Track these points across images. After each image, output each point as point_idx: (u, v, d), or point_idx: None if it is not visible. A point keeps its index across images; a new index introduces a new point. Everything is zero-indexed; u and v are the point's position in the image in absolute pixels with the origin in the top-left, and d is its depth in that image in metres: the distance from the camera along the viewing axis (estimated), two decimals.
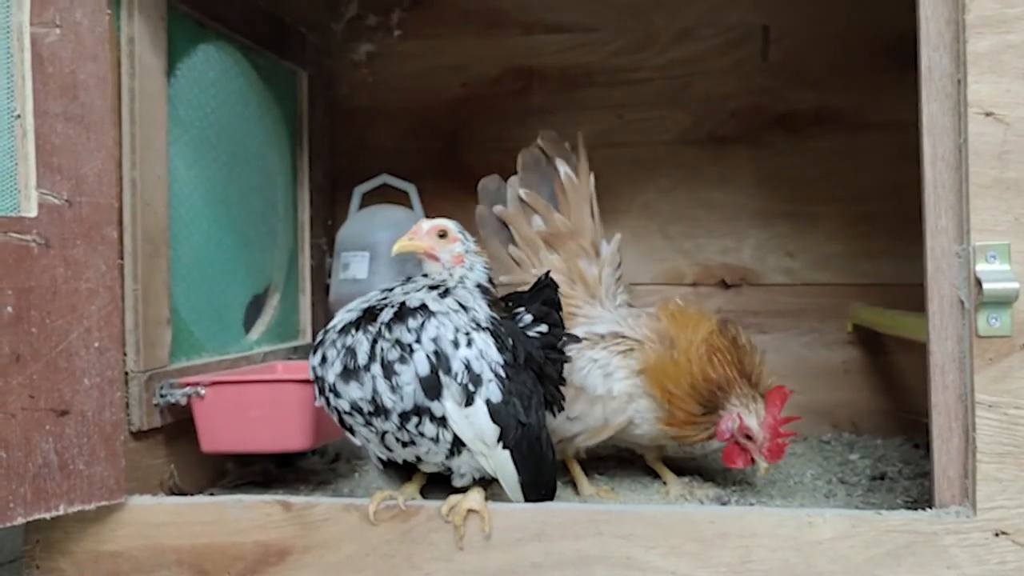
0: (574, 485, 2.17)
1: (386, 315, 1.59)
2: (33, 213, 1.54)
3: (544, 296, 1.92)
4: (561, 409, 1.89)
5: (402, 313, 1.59)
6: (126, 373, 1.91)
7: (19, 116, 1.54)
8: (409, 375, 1.55)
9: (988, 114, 1.50)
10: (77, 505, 1.60)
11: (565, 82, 2.93)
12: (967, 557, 1.50)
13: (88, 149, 1.63)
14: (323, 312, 2.85)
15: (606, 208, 2.91)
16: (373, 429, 1.61)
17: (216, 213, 2.32)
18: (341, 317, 1.64)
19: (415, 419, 1.57)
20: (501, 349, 1.64)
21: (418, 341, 1.56)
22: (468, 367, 1.58)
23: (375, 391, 1.55)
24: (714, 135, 2.85)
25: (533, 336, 1.81)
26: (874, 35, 2.74)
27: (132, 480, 1.79)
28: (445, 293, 1.66)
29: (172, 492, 2.05)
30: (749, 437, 1.96)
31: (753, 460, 1.97)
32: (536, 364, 1.74)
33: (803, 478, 2.28)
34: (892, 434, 2.67)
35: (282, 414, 2.05)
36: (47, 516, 1.55)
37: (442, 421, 1.58)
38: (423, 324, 1.57)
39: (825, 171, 2.78)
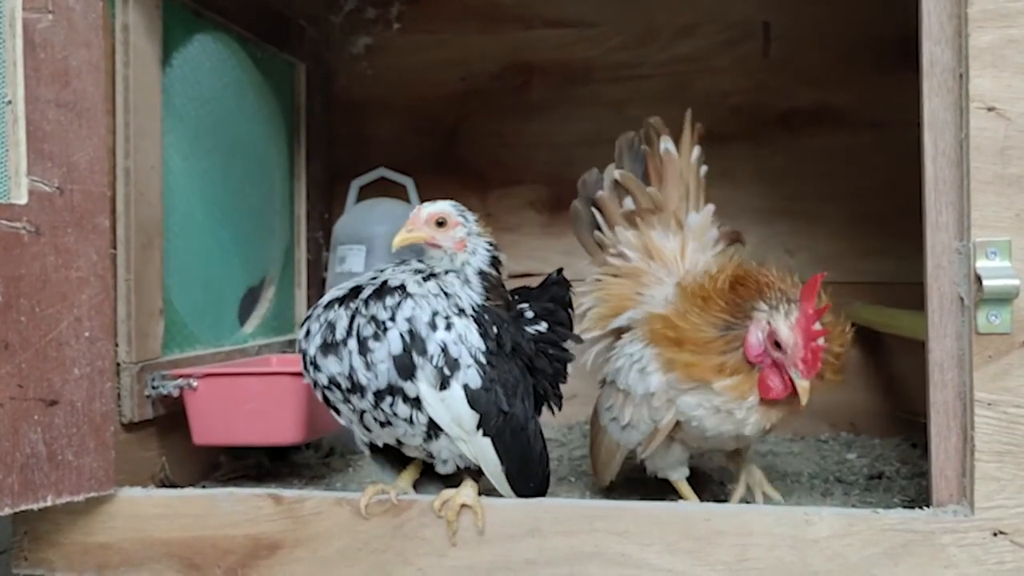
0: None
1: (366, 292, 1.60)
2: (23, 200, 1.53)
3: (552, 293, 1.90)
4: (559, 407, 1.86)
5: (381, 291, 1.59)
6: (118, 364, 1.90)
7: (10, 102, 1.53)
8: (383, 353, 1.54)
9: (990, 109, 1.49)
10: (66, 496, 1.59)
11: (565, 78, 2.92)
12: (965, 557, 1.49)
13: (80, 136, 1.61)
14: None
15: None
16: (351, 406, 1.61)
17: (211, 204, 2.30)
18: (331, 294, 1.65)
19: (389, 398, 1.56)
20: (484, 336, 1.62)
21: (392, 319, 1.55)
22: (445, 350, 1.57)
23: (351, 367, 1.55)
24: (714, 132, 2.81)
25: (530, 331, 1.79)
26: (875, 33, 2.72)
27: (123, 472, 1.77)
28: (429, 277, 1.65)
29: (163, 485, 2.04)
30: (779, 345, 1.65)
31: (791, 383, 1.66)
32: (525, 355, 1.72)
33: (800, 477, 2.26)
34: (890, 434, 2.66)
35: (275, 407, 2.03)
36: (35, 507, 1.53)
37: (416, 403, 1.57)
38: (399, 303, 1.57)
39: (825, 169, 2.76)
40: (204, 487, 2.11)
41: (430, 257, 1.70)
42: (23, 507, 1.51)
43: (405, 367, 1.55)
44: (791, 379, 1.66)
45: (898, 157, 2.05)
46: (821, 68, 2.78)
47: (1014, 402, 1.49)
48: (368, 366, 1.55)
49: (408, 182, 2.86)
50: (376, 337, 1.55)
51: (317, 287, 2.82)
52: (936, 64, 1.54)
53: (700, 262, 1.94)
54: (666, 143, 2.08)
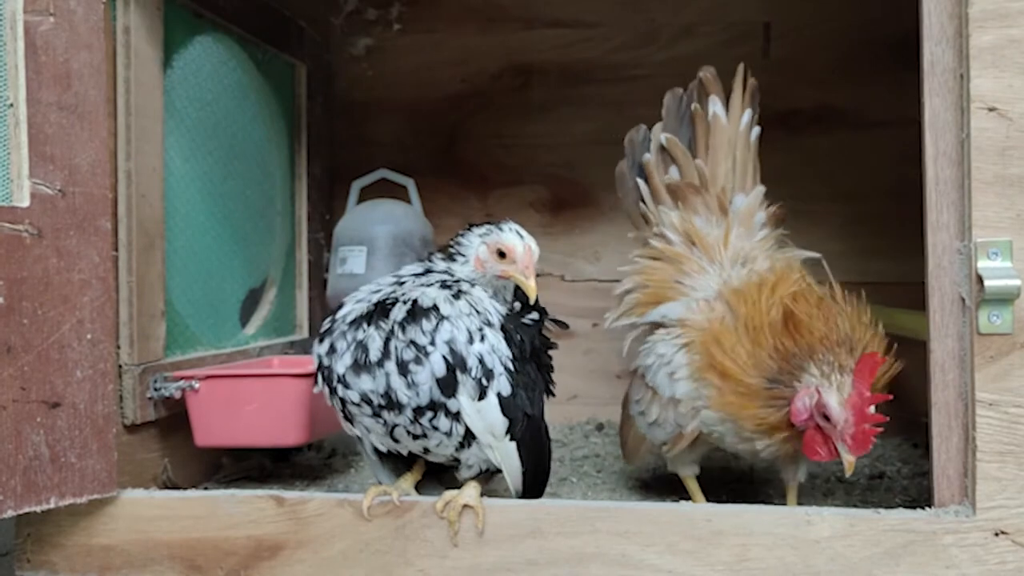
0: None
1: (398, 312, 1.56)
2: (25, 203, 1.53)
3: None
4: (552, 394, 1.82)
5: (415, 313, 1.56)
6: (120, 366, 1.90)
7: (12, 105, 1.53)
8: (425, 375, 1.54)
9: (991, 109, 1.49)
10: (68, 498, 1.59)
11: (565, 78, 2.92)
12: (966, 557, 1.49)
13: (81, 139, 1.62)
14: (320, 307, 2.84)
15: (606, 204, 2.92)
16: (381, 421, 1.60)
17: (212, 206, 2.31)
18: (352, 308, 1.61)
19: (429, 414, 1.57)
20: (509, 343, 1.63)
21: (432, 344, 1.54)
22: (481, 362, 1.58)
23: (389, 386, 1.54)
24: None
25: (528, 323, 1.80)
26: (876, 33, 2.72)
27: (125, 474, 1.77)
28: (458, 295, 1.61)
29: (166, 486, 2.04)
30: (827, 418, 1.59)
31: (837, 452, 1.61)
32: (536, 355, 1.74)
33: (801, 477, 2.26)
34: (891, 433, 2.64)
35: (277, 409, 2.04)
36: (38, 509, 1.53)
37: (456, 416, 1.58)
38: (436, 327, 1.55)
39: (826, 169, 2.76)
40: (206, 488, 2.11)
41: (441, 259, 1.69)
42: (26, 509, 1.51)
43: (449, 385, 1.55)
44: (835, 448, 1.61)
45: (899, 157, 2.06)
46: (822, 68, 2.78)
47: (1015, 402, 1.49)
48: (409, 385, 1.54)
49: (409, 183, 2.86)
50: (418, 361, 1.54)
51: (319, 288, 2.82)
52: (937, 64, 1.54)
53: (744, 248, 1.88)
54: (715, 105, 1.96)
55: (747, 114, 1.98)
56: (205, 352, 2.23)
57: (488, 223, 1.70)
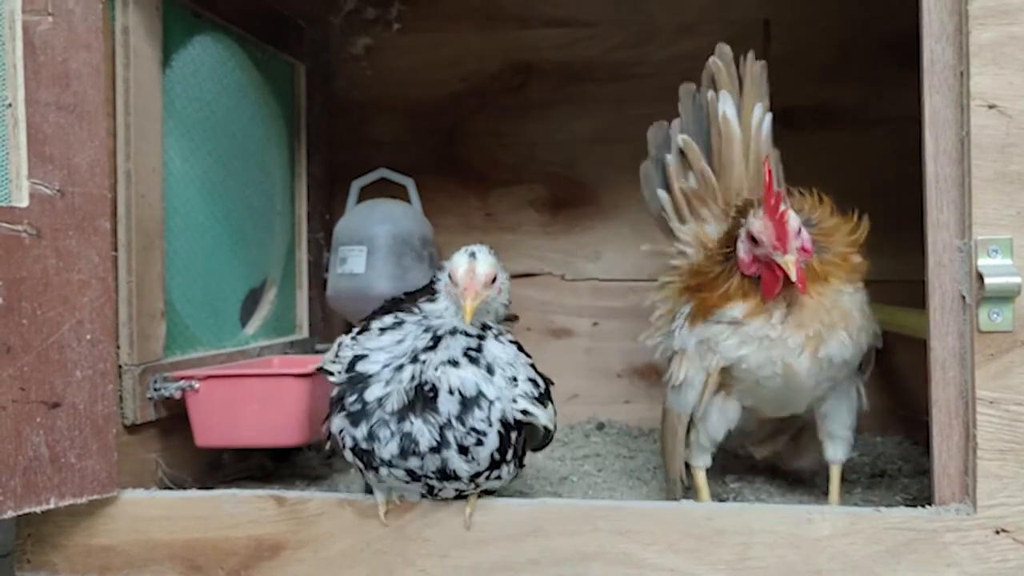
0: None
1: (449, 406, 1.53)
2: (24, 203, 1.53)
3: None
4: None
5: (467, 404, 1.54)
6: (119, 366, 1.89)
7: (10, 105, 1.53)
8: (485, 452, 1.56)
9: (991, 107, 1.49)
10: (68, 499, 1.59)
11: (564, 77, 2.92)
12: (967, 555, 1.49)
13: (80, 139, 1.61)
14: (320, 307, 2.84)
15: (606, 203, 2.92)
16: (423, 484, 1.58)
17: (212, 206, 2.30)
18: (387, 392, 1.55)
19: (488, 472, 1.58)
20: (521, 349, 1.66)
21: (490, 425, 1.55)
22: (534, 395, 1.62)
23: (446, 466, 1.54)
24: None
25: None
26: (876, 30, 2.72)
27: (125, 474, 1.77)
28: (491, 370, 1.57)
29: (164, 487, 2.04)
30: (756, 241, 1.68)
31: (782, 270, 1.65)
32: None
33: (802, 475, 2.26)
34: (891, 432, 2.65)
35: (277, 409, 2.03)
36: (38, 510, 1.53)
37: (508, 458, 1.61)
38: (490, 410, 1.55)
39: (826, 167, 2.74)
40: (207, 488, 2.11)
41: (428, 302, 1.62)
42: (26, 510, 1.51)
43: (505, 446, 1.57)
44: (779, 268, 1.65)
45: (899, 155, 2.05)
46: (821, 66, 2.78)
47: (1016, 400, 1.49)
48: (469, 461, 1.55)
49: (409, 182, 2.86)
50: (479, 443, 1.54)
51: (319, 288, 2.82)
52: (937, 62, 1.53)
53: None
54: (724, 104, 1.93)
55: (758, 110, 1.96)
56: (205, 352, 2.23)
57: None
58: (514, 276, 2.70)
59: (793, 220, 1.66)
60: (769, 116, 1.99)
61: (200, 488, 1.97)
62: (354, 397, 1.56)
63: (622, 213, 2.90)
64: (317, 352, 2.69)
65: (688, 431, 1.94)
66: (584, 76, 2.90)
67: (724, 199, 1.98)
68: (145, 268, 1.97)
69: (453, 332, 1.57)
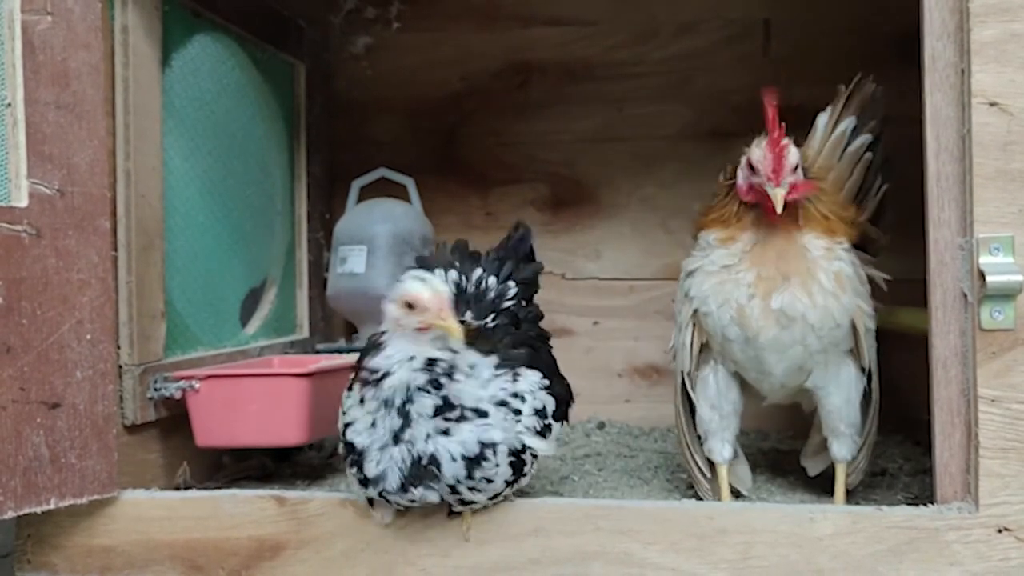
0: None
1: (455, 471, 1.47)
2: (24, 203, 1.52)
3: (522, 251, 1.88)
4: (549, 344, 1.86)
5: (472, 463, 1.49)
6: (119, 366, 1.89)
7: (9, 104, 1.52)
8: (499, 482, 1.54)
9: (992, 104, 1.48)
10: (69, 499, 1.58)
11: (565, 76, 2.92)
12: (969, 553, 1.49)
13: (80, 138, 1.61)
14: (320, 306, 2.84)
15: (606, 202, 2.92)
16: (443, 507, 1.58)
17: (212, 206, 2.30)
18: (383, 469, 1.48)
19: (506, 489, 1.57)
20: (530, 366, 1.63)
21: (497, 466, 1.52)
22: (538, 412, 1.59)
23: (462, 497, 1.53)
24: (715, 130, 2.83)
25: (509, 306, 1.78)
26: (876, 28, 2.72)
27: (126, 474, 1.77)
28: (480, 412, 1.51)
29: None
30: (754, 169, 1.73)
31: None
32: (528, 321, 1.77)
33: (803, 474, 2.26)
34: (893, 430, 2.65)
35: (278, 408, 2.03)
36: (38, 510, 1.53)
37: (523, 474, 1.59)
38: (495, 454, 1.51)
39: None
40: (207, 488, 2.11)
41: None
42: (26, 510, 1.51)
43: (519, 469, 1.56)
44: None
45: (900, 153, 2.04)
46: (822, 65, 2.76)
47: (1018, 398, 1.49)
48: (483, 492, 1.53)
49: (409, 182, 2.86)
50: (489, 481, 1.52)
51: (319, 288, 2.82)
52: (938, 59, 1.53)
53: None
54: (823, 114, 2.03)
55: (846, 122, 2.00)
56: (205, 352, 2.23)
57: None
58: None
59: (792, 156, 1.72)
60: (863, 134, 2.00)
61: (201, 488, 1.97)
62: (355, 469, 1.52)
63: (622, 212, 2.90)
64: (317, 352, 2.69)
65: (695, 425, 1.95)
66: (584, 75, 2.90)
67: None
68: (145, 268, 1.96)
69: (410, 397, 1.46)
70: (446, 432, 1.47)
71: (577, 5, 2.92)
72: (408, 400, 1.46)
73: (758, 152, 1.72)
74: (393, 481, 1.48)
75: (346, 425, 1.53)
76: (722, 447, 1.93)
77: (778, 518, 1.54)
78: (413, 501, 1.51)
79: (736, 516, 1.55)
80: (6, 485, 1.47)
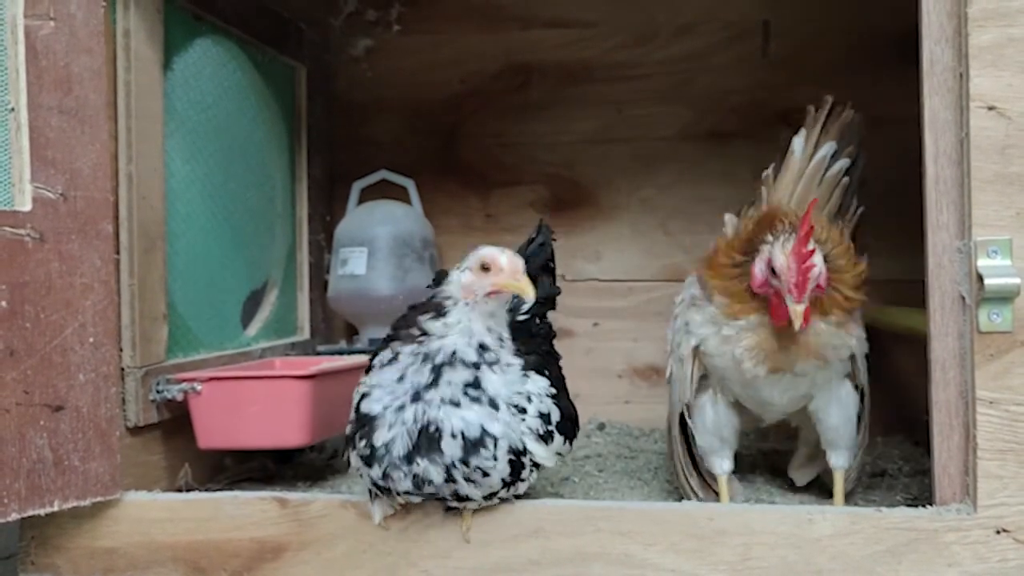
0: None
1: (452, 450, 1.49)
2: (27, 207, 1.53)
3: (542, 259, 1.93)
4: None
5: (469, 448, 1.49)
6: (122, 369, 1.90)
7: (13, 109, 1.53)
8: (495, 479, 1.54)
9: (990, 108, 1.49)
10: (72, 501, 1.59)
11: (564, 78, 2.92)
12: (968, 555, 1.49)
13: (83, 143, 1.62)
14: (321, 308, 2.85)
15: (606, 204, 2.93)
16: (440, 503, 1.59)
17: (213, 208, 2.31)
18: (388, 434, 1.50)
19: (503, 489, 1.57)
20: (540, 371, 1.63)
21: (496, 459, 1.52)
22: (543, 416, 1.59)
23: (457, 491, 1.53)
24: (715, 131, 2.84)
25: (524, 320, 1.79)
26: (876, 31, 2.72)
27: (128, 476, 1.77)
28: (494, 404, 1.52)
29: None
30: (775, 272, 1.67)
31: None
32: (543, 338, 1.79)
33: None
34: (892, 431, 2.66)
35: (279, 410, 2.04)
36: (41, 512, 1.54)
37: (522, 478, 1.59)
38: (496, 448, 1.52)
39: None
40: (209, 490, 2.12)
41: (431, 319, 1.56)
42: (30, 512, 1.51)
43: (517, 469, 1.56)
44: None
45: (898, 156, 2.05)
46: (821, 66, 2.78)
47: (1016, 400, 1.49)
48: (479, 486, 1.53)
49: (409, 184, 2.86)
50: (486, 474, 1.52)
51: (320, 290, 2.83)
52: (936, 63, 1.54)
53: None
54: (797, 138, 1.98)
55: (826, 148, 1.97)
56: (207, 354, 2.24)
57: None
58: None
59: (817, 267, 1.65)
60: (842, 159, 1.97)
61: (203, 490, 1.98)
62: (363, 442, 1.53)
63: (622, 214, 2.90)
64: (318, 354, 2.69)
65: (691, 444, 1.97)
66: (584, 77, 2.91)
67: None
68: (147, 271, 1.97)
69: (452, 362, 1.50)
70: (457, 404, 1.50)
71: (577, 7, 2.92)
72: (449, 363, 1.50)
73: (781, 259, 1.66)
74: (400, 449, 1.49)
75: (362, 396, 1.56)
76: (722, 462, 1.96)
77: (777, 519, 1.54)
78: (416, 477, 1.50)
79: (735, 517, 1.56)
80: (10, 487, 1.48)
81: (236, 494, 1.71)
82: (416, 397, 1.51)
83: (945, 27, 1.53)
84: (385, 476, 1.52)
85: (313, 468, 2.44)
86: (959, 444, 1.53)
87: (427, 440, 1.49)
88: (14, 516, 1.49)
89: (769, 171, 2.00)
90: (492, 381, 1.52)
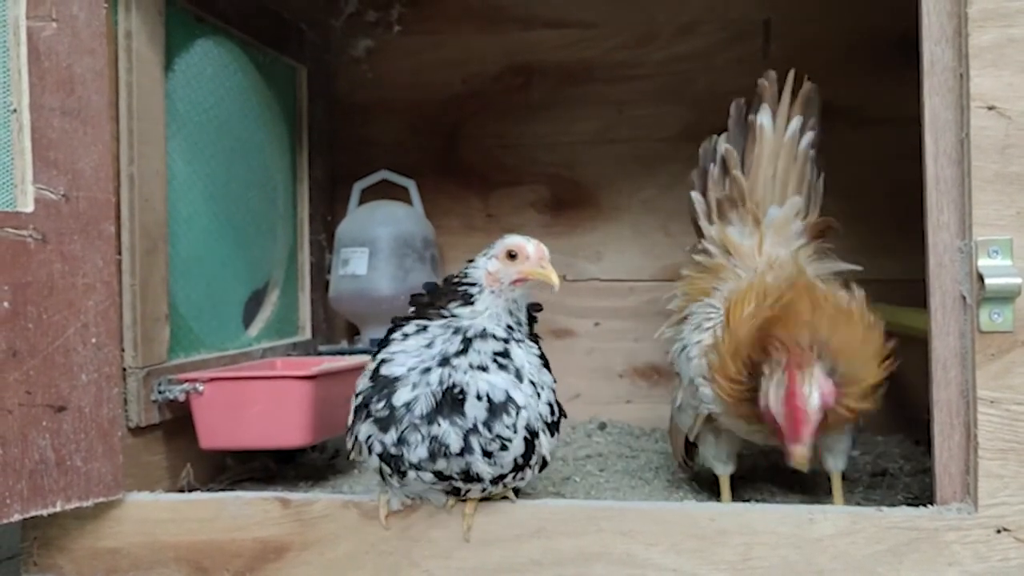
0: None
1: (476, 411, 1.51)
2: (29, 208, 1.53)
3: None
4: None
5: (494, 410, 1.52)
6: (124, 369, 1.90)
7: (15, 110, 1.53)
8: (510, 457, 1.54)
9: (990, 108, 1.49)
10: (74, 502, 1.59)
11: (565, 78, 2.93)
12: (969, 554, 1.50)
13: (85, 144, 1.62)
14: (323, 308, 2.85)
15: (607, 204, 2.93)
16: (447, 485, 1.58)
17: (215, 209, 2.31)
18: (411, 394, 1.52)
19: (513, 474, 1.57)
20: (546, 365, 1.66)
21: (515, 432, 1.53)
22: (550, 406, 1.61)
23: (469, 467, 1.53)
24: (716, 131, 2.83)
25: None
26: (876, 31, 2.73)
27: (130, 477, 1.78)
28: (519, 375, 1.56)
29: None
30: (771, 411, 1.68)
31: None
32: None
33: (803, 475, 2.27)
34: (892, 431, 2.66)
35: (281, 410, 2.04)
36: (44, 513, 1.54)
37: (531, 464, 1.60)
38: (517, 418, 1.53)
39: (826, 167, 2.76)
40: (211, 490, 2.12)
41: (459, 305, 1.58)
42: (32, 513, 1.51)
43: (529, 452, 1.56)
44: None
45: (898, 155, 2.05)
46: (822, 67, 2.73)
47: (1016, 400, 1.50)
48: (493, 465, 1.54)
49: (410, 184, 2.87)
50: (503, 448, 1.53)
51: (321, 290, 2.83)
52: (936, 63, 1.54)
53: (780, 255, 1.94)
54: (763, 115, 1.98)
55: (795, 122, 1.99)
56: (209, 354, 2.24)
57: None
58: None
59: (814, 406, 1.62)
60: (808, 132, 2.01)
61: (205, 490, 1.98)
62: (382, 403, 1.54)
63: (623, 214, 2.91)
64: (320, 354, 2.70)
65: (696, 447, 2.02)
66: (585, 77, 2.91)
67: (752, 200, 2.01)
68: (149, 271, 1.97)
69: (483, 335, 1.55)
70: (485, 369, 1.53)
71: (577, 7, 2.93)
72: (480, 336, 1.55)
73: (776, 406, 1.65)
74: (423, 408, 1.51)
75: (381, 362, 1.58)
76: (724, 466, 2.00)
77: (778, 519, 1.55)
78: (434, 441, 1.50)
79: (736, 517, 1.56)
80: (12, 488, 1.48)
81: (238, 494, 1.71)
82: (444, 362, 1.54)
83: (945, 27, 1.53)
84: (400, 441, 1.52)
85: (315, 468, 2.44)
86: (960, 443, 1.54)
87: (451, 401, 1.51)
88: (17, 517, 1.49)
89: (728, 147, 2.00)
90: (519, 355, 1.57)
